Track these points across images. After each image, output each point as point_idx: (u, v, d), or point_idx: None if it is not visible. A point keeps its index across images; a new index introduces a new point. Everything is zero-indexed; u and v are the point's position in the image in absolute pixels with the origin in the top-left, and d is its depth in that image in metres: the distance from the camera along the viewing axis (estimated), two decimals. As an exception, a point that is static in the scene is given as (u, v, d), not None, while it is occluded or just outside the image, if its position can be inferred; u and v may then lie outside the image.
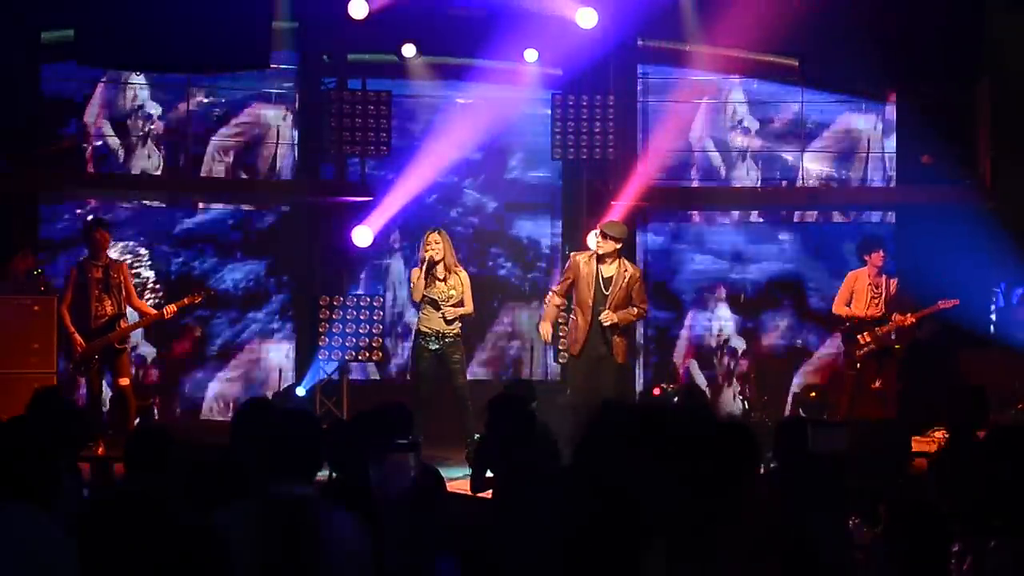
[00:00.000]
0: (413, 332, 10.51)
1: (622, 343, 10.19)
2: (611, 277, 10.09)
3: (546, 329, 10.43)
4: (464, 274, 10.56)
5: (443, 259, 10.35)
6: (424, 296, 10.37)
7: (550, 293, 10.59)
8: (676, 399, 11.05)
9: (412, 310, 12.74)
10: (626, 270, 10.12)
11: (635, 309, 10.17)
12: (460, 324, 10.53)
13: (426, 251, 10.36)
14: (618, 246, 10.08)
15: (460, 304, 10.44)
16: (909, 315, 11.46)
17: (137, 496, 4.68)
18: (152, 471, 4.90)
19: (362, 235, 12.39)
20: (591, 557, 1.62)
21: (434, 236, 10.42)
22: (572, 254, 10.48)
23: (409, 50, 13.03)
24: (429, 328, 10.38)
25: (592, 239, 10.82)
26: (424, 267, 10.31)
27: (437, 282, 10.36)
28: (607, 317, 10.00)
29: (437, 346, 10.36)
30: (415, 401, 10.03)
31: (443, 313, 10.34)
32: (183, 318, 12.51)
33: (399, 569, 4.60)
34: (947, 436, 6.39)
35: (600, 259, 10.11)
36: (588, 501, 1.64)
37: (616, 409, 1.72)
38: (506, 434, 5.95)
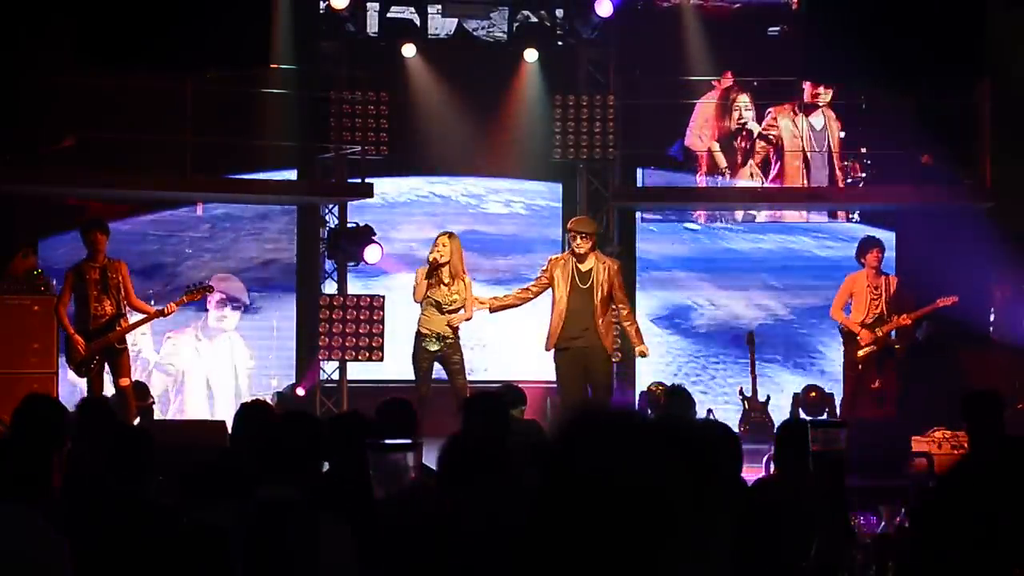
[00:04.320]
0: (414, 333, 10.47)
1: (608, 334, 10.10)
2: (588, 271, 10.07)
3: (489, 301, 10.40)
4: (468, 280, 10.49)
5: (449, 262, 10.29)
6: (428, 298, 10.32)
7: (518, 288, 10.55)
8: (662, 400, 11.03)
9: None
10: (604, 263, 10.11)
11: (624, 310, 10.14)
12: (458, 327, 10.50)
13: (434, 252, 10.30)
14: (591, 241, 10.07)
15: (460, 309, 10.39)
16: (906, 315, 11.45)
17: (124, 496, 4.69)
18: (133, 474, 4.90)
19: (373, 253, 12.39)
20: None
21: (443, 238, 10.34)
22: (549, 258, 10.40)
23: (409, 50, 13.04)
24: (430, 330, 10.33)
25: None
26: (428, 269, 10.26)
27: (442, 285, 10.29)
28: (641, 351, 10.08)
29: (437, 348, 10.33)
30: (417, 401, 10.03)
31: (448, 320, 10.29)
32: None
33: (398, 569, 4.58)
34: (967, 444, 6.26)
35: (578, 258, 10.11)
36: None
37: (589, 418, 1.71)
38: (479, 434, 5.94)
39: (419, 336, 10.39)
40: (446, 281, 10.24)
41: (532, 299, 10.30)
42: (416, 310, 10.44)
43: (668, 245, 14.22)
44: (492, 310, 10.52)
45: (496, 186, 14.01)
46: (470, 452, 4.42)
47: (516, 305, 10.43)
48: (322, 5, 12.78)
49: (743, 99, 13.68)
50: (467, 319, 10.44)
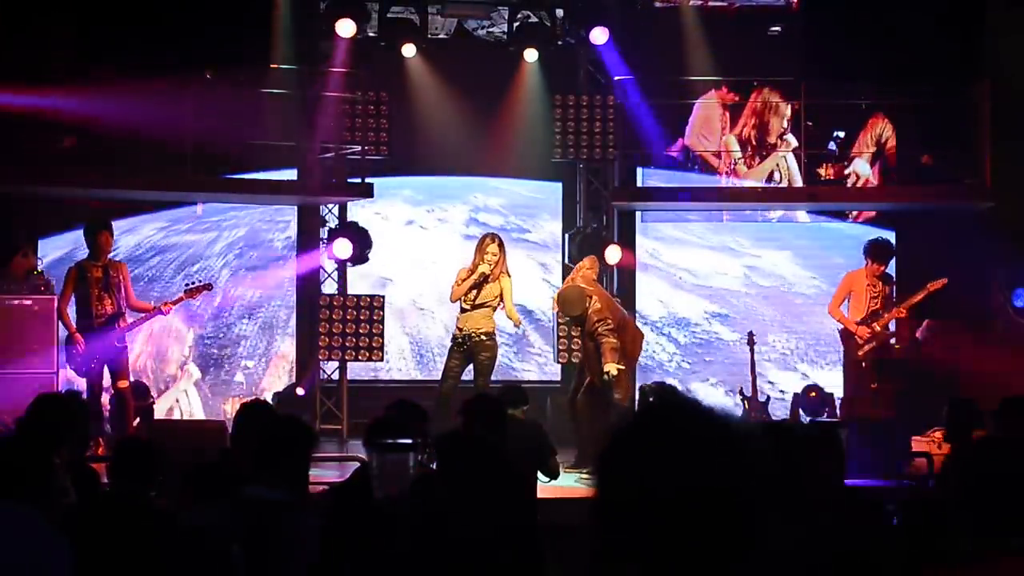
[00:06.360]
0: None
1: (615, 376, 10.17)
2: None
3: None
4: (507, 280, 10.49)
5: (493, 270, 10.34)
6: (463, 299, 10.37)
7: None
8: (650, 397, 11.05)
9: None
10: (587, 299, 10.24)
11: (604, 343, 10.14)
12: (494, 324, 10.47)
13: (483, 261, 10.32)
14: (583, 315, 10.14)
15: (493, 307, 10.40)
16: (903, 306, 11.44)
17: (126, 498, 4.69)
18: (137, 481, 4.90)
19: (341, 247, 12.36)
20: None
21: (494, 247, 10.37)
22: None
23: (409, 50, 13.03)
24: (460, 328, 10.41)
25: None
26: (475, 278, 10.27)
27: (484, 286, 10.34)
28: (610, 370, 10.09)
29: (467, 345, 10.36)
30: (438, 396, 10.14)
31: (481, 314, 10.32)
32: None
33: (398, 569, 4.59)
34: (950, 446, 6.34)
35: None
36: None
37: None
38: (477, 436, 5.94)
39: (453, 336, 10.48)
40: (479, 283, 10.32)
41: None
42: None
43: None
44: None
45: (496, 186, 14.00)
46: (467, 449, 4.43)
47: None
48: (322, 5, 12.78)
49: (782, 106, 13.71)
50: (515, 320, 10.57)
